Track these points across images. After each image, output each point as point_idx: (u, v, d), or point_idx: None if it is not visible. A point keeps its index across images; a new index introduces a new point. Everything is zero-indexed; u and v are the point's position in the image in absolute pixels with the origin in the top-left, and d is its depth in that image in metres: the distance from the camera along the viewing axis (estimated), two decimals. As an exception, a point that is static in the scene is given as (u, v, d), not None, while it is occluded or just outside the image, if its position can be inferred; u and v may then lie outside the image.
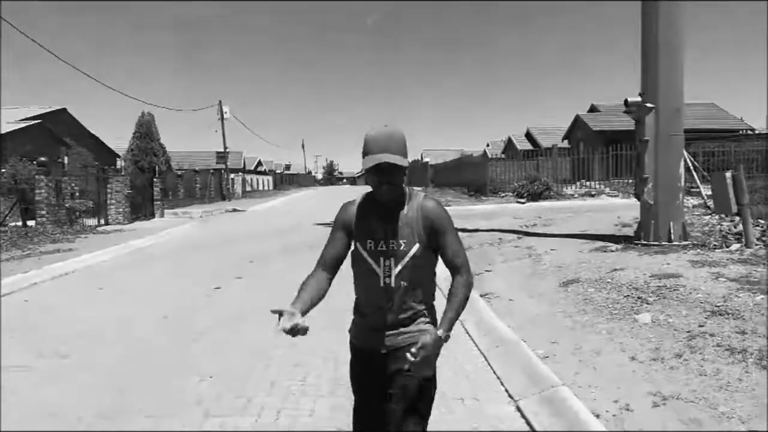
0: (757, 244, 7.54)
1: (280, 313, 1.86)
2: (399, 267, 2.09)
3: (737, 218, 8.68)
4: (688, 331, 4.49)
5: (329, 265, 2.19)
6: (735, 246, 7.41)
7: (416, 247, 2.08)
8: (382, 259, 2.10)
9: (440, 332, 1.99)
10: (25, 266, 9.45)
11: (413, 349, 1.92)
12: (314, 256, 2.27)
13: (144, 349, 5.16)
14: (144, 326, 5.92)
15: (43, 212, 15.64)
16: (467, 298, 2.13)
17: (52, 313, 6.60)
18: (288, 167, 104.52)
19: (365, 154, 2.04)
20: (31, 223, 15.82)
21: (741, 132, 30.65)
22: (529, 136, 47.14)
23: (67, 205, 16.61)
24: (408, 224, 2.09)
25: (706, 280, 5.72)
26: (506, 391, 3.94)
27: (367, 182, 2.09)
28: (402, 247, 2.08)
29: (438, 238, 2.11)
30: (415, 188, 2.20)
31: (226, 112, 40.63)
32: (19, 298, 7.43)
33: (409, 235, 2.08)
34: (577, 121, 36.71)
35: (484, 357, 4.64)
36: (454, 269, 2.14)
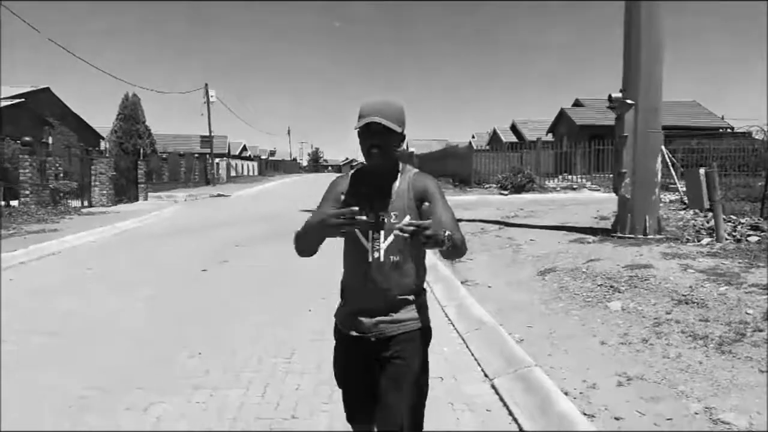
0: (727, 239, 7.84)
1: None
2: (389, 240, 1.99)
3: (711, 214, 8.99)
4: (655, 318, 4.75)
5: None
6: (706, 240, 7.71)
7: (407, 219, 1.98)
8: (371, 232, 2.01)
9: (447, 232, 1.77)
10: (11, 245, 9.49)
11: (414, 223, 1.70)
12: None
13: (133, 328, 5.30)
14: (133, 306, 6.06)
15: (27, 192, 15.58)
16: (463, 244, 1.93)
17: (41, 293, 6.70)
18: (273, 153, 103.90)
19: (359, 119, 1.96)
20: (14, 203, 15.75)
21: (721, 130, 31.25)
22: (514, 128, 47.49)
23: (51, 185, 16.55)
24: (399, 197, 2.01)
25: (675, 271, 5.99)
26: (482, 371, 4.16)
27: (360, 148, 2.04)
28: (392, 219, 1.99)
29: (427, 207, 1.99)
30: (408, 165, 2.14)
31: (212, 96, 40.40)
32: (5, 277, 7.50)
33: (400, 207, 2.00)
34: (562, 115, 37.06)
35: (463, 340, 4.85)
36: None
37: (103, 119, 36.18)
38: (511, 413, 3.44)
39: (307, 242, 2.00)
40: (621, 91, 8.85)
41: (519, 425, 3.29)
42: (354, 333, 2.09)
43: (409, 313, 2.07)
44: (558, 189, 22.72)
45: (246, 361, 4.35)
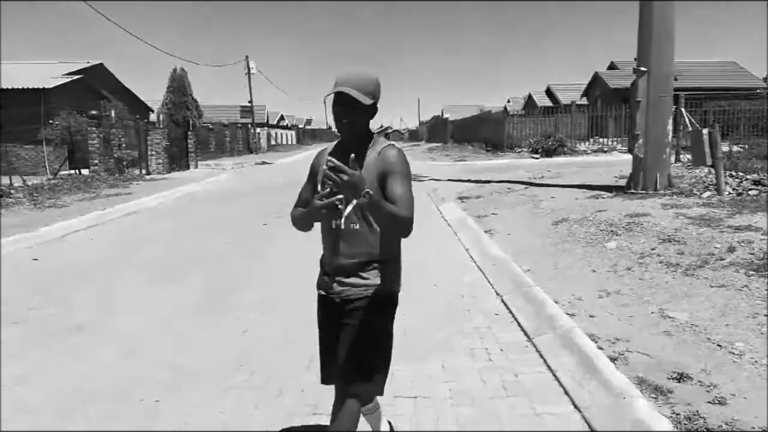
0: (730, 193, 8.70)
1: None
2: (348, 209, 2.08)
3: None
4: (641, 253, 5.81)
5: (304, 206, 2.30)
6: (707, 193, 8.60)
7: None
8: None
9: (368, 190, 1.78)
10: (100, 206, 11.07)
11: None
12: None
13: (220, 261, 6.67)
14: (214, 249, 7.43)
15: (96, 161, 17.26)
16: (399, 217, 1.91)
17: (136, 241, 8.15)
18: (309, 122, 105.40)
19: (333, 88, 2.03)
20: (84, 171, 17.45)
21: (759, 91, 30.95)
22: (549, 92, 47.52)
23: (116, 155, 18.19)
24: (365, 168, 2.04)
25: (668, 218, 6.97)
26: (495, 290, 5.32)
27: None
28: None
29: (385, 181, 2.02)
30: (382, 138, 2.23)
31: (252, 68, 41.73)
32: (112, 227, 9.06)
33: (366, 179, 1.99)
34: (596, 79, 37.09)
35: (481, 271, 6.00)
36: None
37: (149, 93, 37.89)
38: (512, 315, 4.61)
39: (302, 225, 2.26)
40: (635, 59, 9.67)
41: (518, 322, 4.46)
42: (322, 293, 2.24)
43: (372, 278, 2.14)
44: (588, 152, 23.33)
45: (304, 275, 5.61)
